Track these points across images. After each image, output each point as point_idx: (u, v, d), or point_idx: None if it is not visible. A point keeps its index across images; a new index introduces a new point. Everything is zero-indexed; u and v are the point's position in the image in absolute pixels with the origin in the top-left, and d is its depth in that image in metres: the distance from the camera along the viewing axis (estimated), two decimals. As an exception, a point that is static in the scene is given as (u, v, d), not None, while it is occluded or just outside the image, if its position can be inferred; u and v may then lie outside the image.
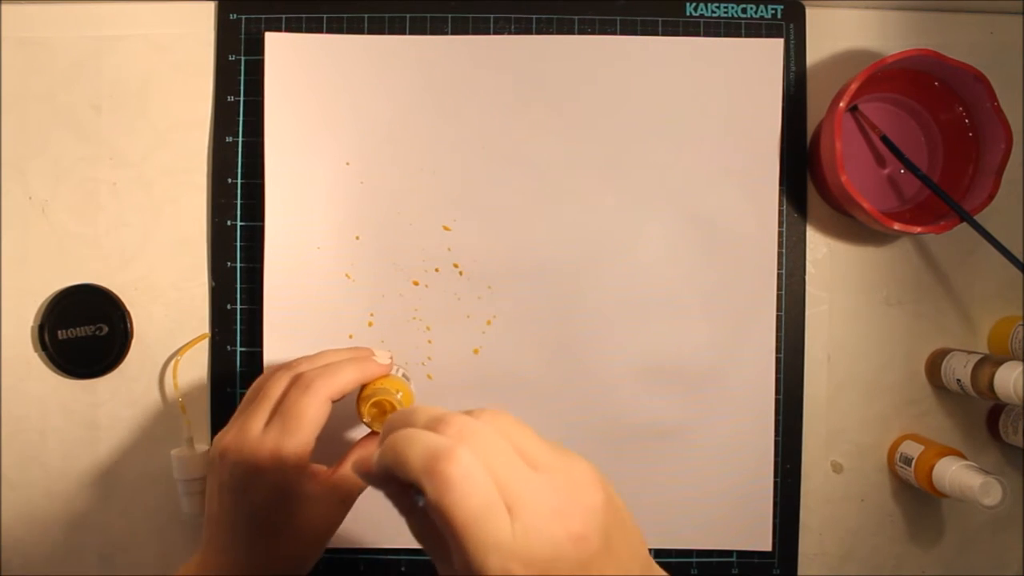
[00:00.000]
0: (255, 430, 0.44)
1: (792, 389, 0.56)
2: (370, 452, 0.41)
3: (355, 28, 0.55)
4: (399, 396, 0.46)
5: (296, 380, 0.45)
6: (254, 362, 0.55)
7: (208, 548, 0.44)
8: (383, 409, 0.46)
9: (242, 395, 0.55)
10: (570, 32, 0.56)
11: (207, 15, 0.56)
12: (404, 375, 0.51)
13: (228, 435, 0.44)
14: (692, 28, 0.56)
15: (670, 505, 0.54)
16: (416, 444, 0.30)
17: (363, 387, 0.47)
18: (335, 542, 0.54)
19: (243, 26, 0.56)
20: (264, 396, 0.45)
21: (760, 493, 0.55)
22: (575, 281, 0.55)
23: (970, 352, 0.53)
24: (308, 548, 0.44)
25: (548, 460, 0.33)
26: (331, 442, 0.45)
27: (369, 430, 0.47)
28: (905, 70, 0.53)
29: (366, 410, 0.46)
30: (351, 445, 0.48)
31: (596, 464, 0.56)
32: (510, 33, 0.56)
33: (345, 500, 0.45)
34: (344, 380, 0.45)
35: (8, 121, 0.56)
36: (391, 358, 0.49)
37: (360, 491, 0.46)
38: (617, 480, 0.54)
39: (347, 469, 0.46)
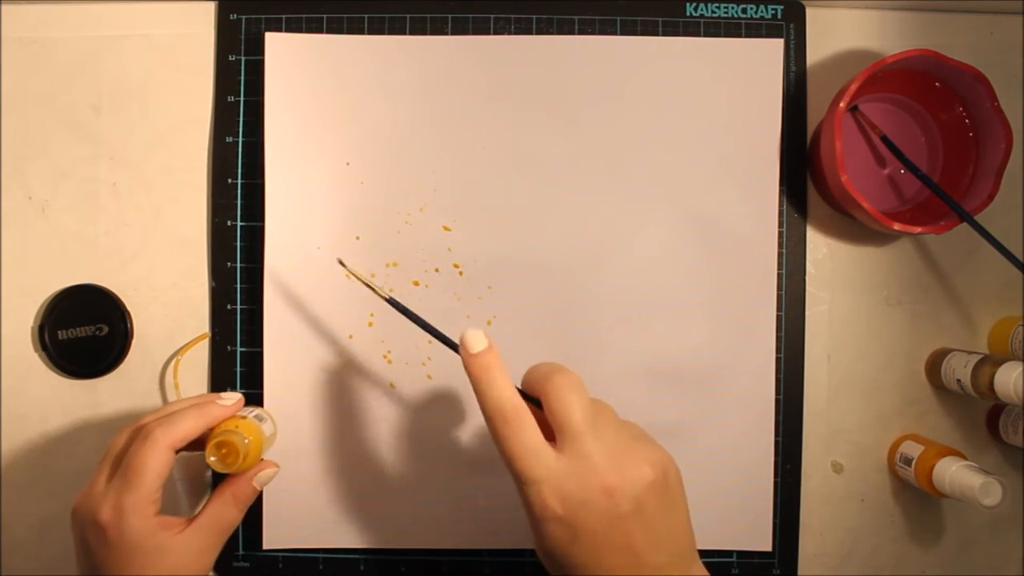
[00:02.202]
0: (98, 488, 0.43)
1: (792, 389, 0.56)
2: (241, 488, 0.46)
3: (355, 28, 0.55)
4: (247, 440, 0.45)
5: (136, 432, 0.44)
6: (254, 362, 0.55)
7: None
8: (230, 450, 0.44)
9: (242, 395, 0.55)
10: (570, 32, 0.56)
11: (207, 15, 0.56)
12: (258, 416, 0.49)
13: (79, 496, 0.44)
14: (692, 28, 0.56)
15: (670, 505, 0.54)
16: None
17: (211, 431, 0.46)
18: (335, 542, 0.54)
19: (243, 26, 0.56)
20: (107, 453, 0.45)
21: (760, 493, 0.55)
22: (575, 281, 0.55)
23: (970, 352, 0.53)
24: None
25: (616, 429, 0.40)
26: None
27: (224, 475, 0.46)
28: (905, 70, 0.53)
29: (209, 451, 0.44)
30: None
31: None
32: (510, 33, 0.56)
33: (208, 547, 0.45)
34: (185, 427, 0.44)
35: (8, 121, 0.56)
36: (239, 400, 0.48)
37: (223, 536, 0.46)
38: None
39: (206, 515, 0.45)
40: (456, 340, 0.41)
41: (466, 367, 0.40)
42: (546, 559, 0.40)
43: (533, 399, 0.40)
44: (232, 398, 0.48)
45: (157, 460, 0.42)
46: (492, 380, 0.39)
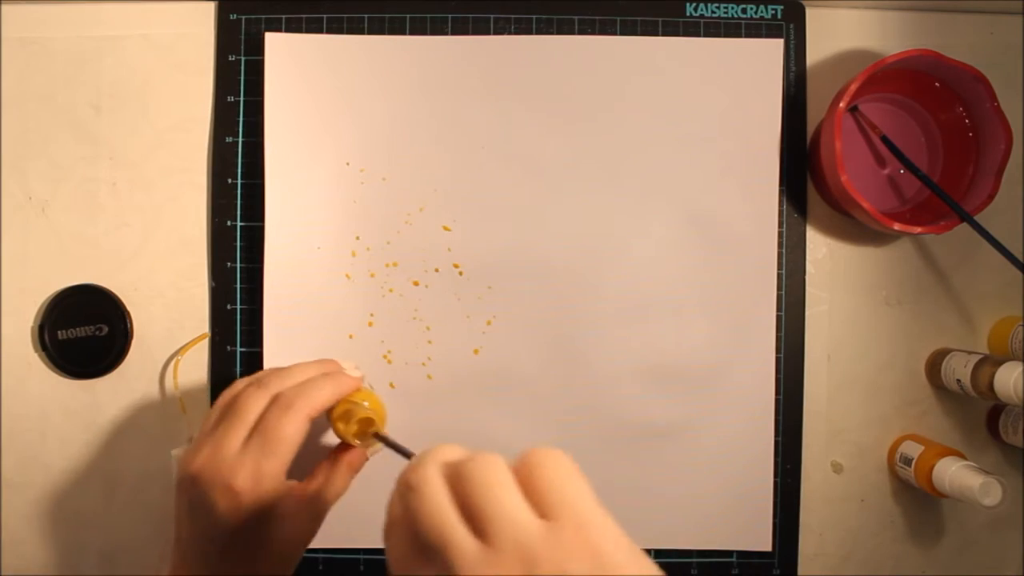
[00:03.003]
0: (232, 451, 0.42)
1: (792, 389, 0.56)
2: (355, 459, 0.46)
3: (355, 28, 0.55)
4: (366, 404, 0.46)
5: (276, 399, 0.44)
6: (254, 362, 0.55)
7: (176, 572, 0.43)
8: (366, 427, 0.46)
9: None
10: (570, 32, 0.56)
11: (207, 15, 0.56)
12: (370, 385, 0.51)
13: (200, 456, 0.42)
14: (692, 28, 0.56)
15: (670, 505, 0.54)
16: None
17: (339, 401, 0.46)
18: (335, 542, 0.54)
19: (243, 26, 0.56)
20: (239, 415, 0.43)
21: (760, 493, 0.55)
22: (575, 281, 0.55)
23: (970, 352, 0.53)
24: (282, 565, 0.44)
25: (571, 519, 0.29)
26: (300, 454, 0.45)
27: (339, 441, 0.47)
28: (905, 70, 0.53)
29: (349, 429, 0.45)
30: (319, 455, 0.48)
31: (596, 464, 0.57)
32: (510, 33, 0.56)
33: (318, 516, 0.45)
34: (323, 398, 0.44)
35: (8, 121, 0.56)
36: (358, 368, 0.49)
37: (331, 504, 0.46)
38: (617, 480, 0.54)
39: (319, 483, 0.45)
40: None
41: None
42: None
43: None
44: (354, 367, 0.48)
45: (297, 430, 0.43)
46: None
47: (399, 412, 0.54)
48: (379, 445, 0.47)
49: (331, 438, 0.50)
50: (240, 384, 0.46)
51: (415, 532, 0.29)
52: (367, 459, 0.48)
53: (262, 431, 0.43)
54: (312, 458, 0.48)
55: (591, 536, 0.28)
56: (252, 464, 0.42)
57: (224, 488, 0.41)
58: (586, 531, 0.28)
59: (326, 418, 0.47)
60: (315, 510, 0.45)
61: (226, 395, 0.46)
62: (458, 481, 0.30)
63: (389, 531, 0.31)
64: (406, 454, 0.43)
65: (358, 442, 0.46)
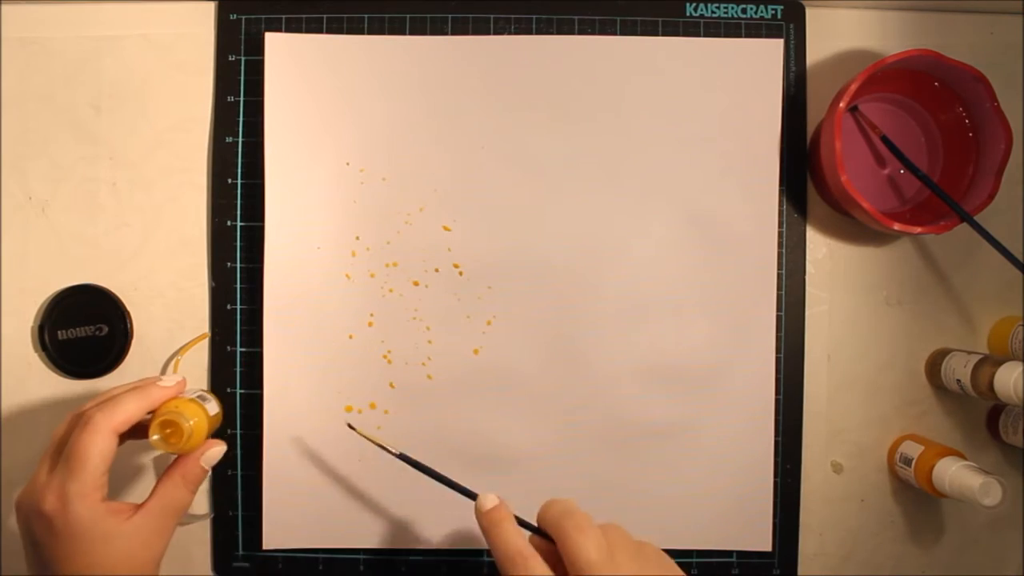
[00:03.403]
0: (41, 478, 0.42)
1: (792, 389, 0.56)
2: (190, 469, 0.45)
3: (355, 28, 0.55)
4: (192, 422, 0.45)
5: (76, 419, 0.44)
6: (254, 362, 0.55)
7: None
8: (174, 429, 0.45)
9: (243, 396, 0.55)
10: (570, 32, 0.56)
11: (207, 15, 0.56)
12: (201, 396, 0.49)
13: (23, 489, 0.43)
14: (692, 28, 0.56)
15: (670, 505, 0.55)
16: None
17: (153, 413, 0.46)
18: (335, 542, 0.54)
19: (243, 26, 0.56)
20: (51, 442, 0.44)
21: (760, 493, 0.55)
22: (575, 281, 0.55)
23: (970, 352, 0.53)
24: None
25: (631, 560, 0.40)
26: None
27: (172, 457, 0.46)
28: (905, 70, 0.53)
29: (152, 429, 0.45)
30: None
31: (596, 464, 0.57)
32: (510, 33, 0.56)
33: (161, 531, 0.44)
34: (126, 410, 0.43)
35: (8, 121, 0.56)
36: (180, 382, 0.47)
37: (175, 518, 0.45)
38: (617, 480, 0.54)
39: (157, 499, 0.44)
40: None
41: (479, 522, 0.43)
42: None
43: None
44: (172, 379, 0.47)
45: (99, 445, 0.42)
46: (500, 531, 0.41)
47: (399, 412, 0.54)
48: (216, 450, 0.47)
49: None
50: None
51: None
52: (205, 469, 0.46)
53: (65, 453, 0.42)
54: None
55: None
56: (57, 486, 0.41)
57: (36, 515, 0.41)
58: None
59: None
60: (155, 527, 0.44)
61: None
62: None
63: None
64: (464, 492, 0.46)
65: (161, 445, 0.45)
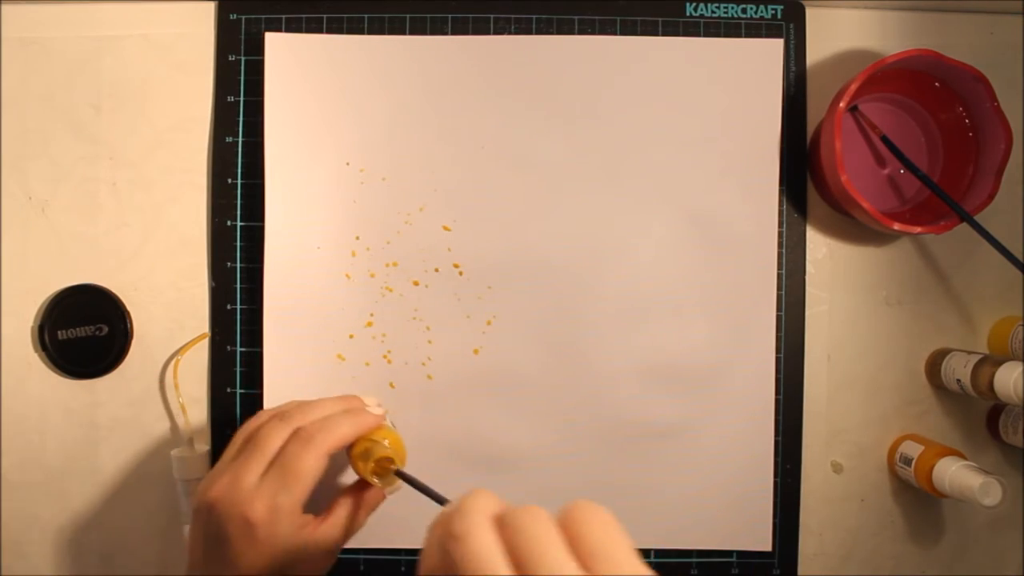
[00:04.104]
0: (249, 482, 0.42)
1: (792, 389, 0.56)
2: (374, 497, 0.46)
3: (355, 28, 0.55)
4: (386, 443, 0.46)
5: (296, 433, 0.44)
6: (254, 362, 0.55)
7: None
8: (386, 466, 0.46)
9: (243, 396, 0.55)
10: (570, 32, 0.56)
11: (207, 15, 0.56)
12: (392, 423, 0.51)
13: (218, 485, 0.43)
14: (692, 28, 0.56)
15: (670, 505, 0.55)
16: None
17: (359, 439, 0.46)
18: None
19: (243, 26, 0.56)
20: (259, 447, 0.44)
21: (760, 493, 0.55)
22: (575, 281, 0.55)
23: (970, 352, 0.53)
24: None
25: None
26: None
27: (357, 478, 0.47)
28: (905, 70, 0.53)
29: (367, 468, 0.46)
30: (336, 491, 0.48)
31: (596, 464, 0.56)
32: (510, 33, 0.56)
33: (332, 552, 0.45)
34: (343, 434, 0.44)
35: (8, 121, 0.56)
36: (384, 409, 0.49)
37: (346, 542, 0.46)
38: (617, 480, 0.54)
39: (336, 520, 0.45)
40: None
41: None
42: None
43: None
44: (378, 406, 0.49)
45: (316, 465, 0.43)
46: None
47: (399, 412, 0.54)
48: (398, 483, 0.47)
49: (349, 475, 0.50)
50: (263, 416, 0.46)
51: None
52: (385, 498, 0.48)
53: (281, 464, 0.43)
54: (327, 494, 0.48)
55: None
56: (269, 497, 0.42)
57: (240, 519, 0.41)
58: None
59: (345, 455, 0.47)
60: (329, 546, 0.45)
61: (248, 426, 0.46)
62: (505, 532, 0.29)
63: None
64: (437, 499, 0.43)
65: (376, 480, 0.46)
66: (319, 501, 0.46)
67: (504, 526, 0.30)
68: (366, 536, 0.54)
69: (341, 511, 0.46)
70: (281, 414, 0.46)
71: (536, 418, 0.55)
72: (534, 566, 0.28)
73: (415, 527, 0.55)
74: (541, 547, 0.29)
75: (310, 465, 0.43)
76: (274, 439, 0.44)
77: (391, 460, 0.45)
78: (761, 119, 0.55)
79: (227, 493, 0.42)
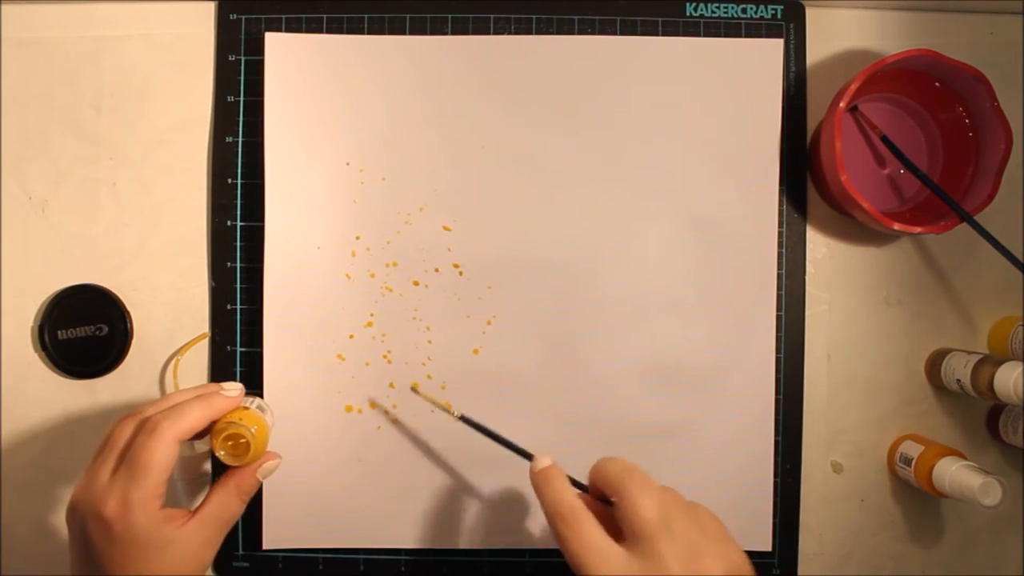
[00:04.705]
0: (102, 480, 0.42)
1: (792, 389, 0.56)
2: (245, 480, 0.45)
3: (355, 28, 0.55)
4: (253, 430, 0.45)
5: (142, 424, 0.43)
6: (254, 362, 0.55)
7: None
8: (237, 442, 0.45)
9: (243, 385, 0.55)
10: (570, 32, 0.56)
11: (207, 15, 0.56)
12: (259, 406, 0.49)
13: (77, 488, 0.43)
14: (692, 28, 0.56)
15: (670, 505, 0.54)
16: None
17: (215, 423, 0.46)
18: (335, 542, 0.55)
19: (243, 26, 0.56)
20: (110, 444, 0.43)
21: (760, 493, 0.55)
22: (575, 281, 0.55)
23: (970, 352, 0.53)
24: None
25: (688, 529, 0.40)
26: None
27: (226, 465, 0.46)
28: (905, 70, 0.53)
29: (219, 444, 0.45)
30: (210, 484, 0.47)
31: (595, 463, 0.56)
32: (510, 33, 0.56)
33: (210, 539, 0.44)
34: (191, 419, 0.43)
35: (8, 121, 0.56)
36: (241, 391, 0.48)
37: (226, 528, 0.45)
38: (617, 480, 0.54)
39: (209, 507, 0.45)
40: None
41: (532, 480, 0.43)
42: None
43: (604, 499, 0.42)
44: (235, 388, 0.47)
45: (164, 453, 0.42)
46: (551, 487, 0.42)
47: (399, 412, 0.54)
48: (272, 464, 0.47)
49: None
50: (120, 417, 0.46)
51: None
52: (259, 481, 0.47)
53: (128, 458, 0.42)
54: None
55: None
56: (120, 491, 0.41)
57: (95, 518, 0.41)
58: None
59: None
60: (206, 536, 0.44)
61: (109, 428, 0.45)
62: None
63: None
64: (522, 453, 0.47)
65: (228, 459, 0.45)
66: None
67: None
68: (366, 536, 0.55)
69: (212, 502, 0.45)
70: (134, 412, 0.45)
71: (536, 418, 0.55)
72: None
73: (416, 527, 0.55)
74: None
75: (158, 454, 0.42)
76: (123, 434, 0.44)
77: (239, 437, 0.45)
78: (761, 119, 0.55)
79: (82, 494, 0.42)
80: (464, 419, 0.50)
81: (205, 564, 0.44)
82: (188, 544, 0.43)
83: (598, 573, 0.38)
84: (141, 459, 0.42)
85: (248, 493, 0.46)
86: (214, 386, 0.48)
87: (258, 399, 0.51)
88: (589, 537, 0.39)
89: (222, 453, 0.45)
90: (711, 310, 0.55)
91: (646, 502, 0.39)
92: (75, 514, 0.43)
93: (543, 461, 0.44)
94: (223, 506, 0.45)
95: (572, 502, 0.40)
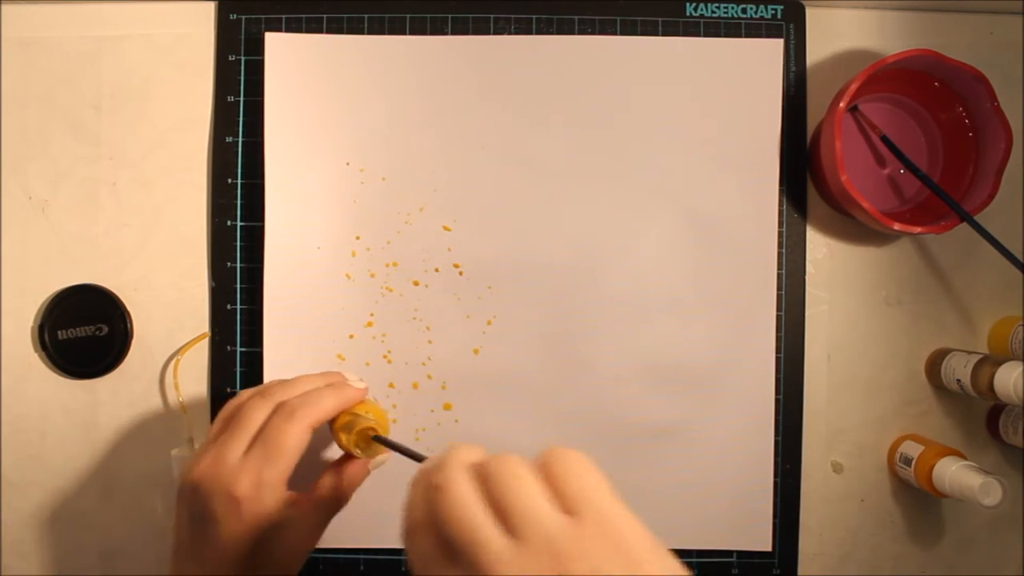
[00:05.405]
0: (233, 458, 0.42)
1: (792, 389, 0.56)
2: (358, 471, 0.46)
3: (355, 28, 0.55)
4: (370, 416, 0.46)
5: (279, 408, 0.44)
6: (254, 362, 0.55)
7: None
8: (367, 436, 0.46)
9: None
10: (570, 32, 0.56)
11: (207, 15, 0.56)
12: (374, 397, 0.51)
13: (202, 463, 0.43)
14: (692, 28, 0.56)
15: (670, 505, 0.54)
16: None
17: (341, 413, 0.46)
18: (335, 542, 0.55)
19: (243, 26, 0.56)
20: (241, 424, 0.44)
21: (760, 493, 0.55)
22: (575, 281, 0.55)
23: (970, 352, 0.53)
24: (283, 573, 0.44)
25: (594, 514, 0.30)
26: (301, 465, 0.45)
27: (342, 452, 0.47)
28: (905, 70, 0.53)
29: (351, 439, 0.46)
30: (323, 468, 0.48)
31: (596, 464, 0.56)
32: (510, 33, 0.56)
33: (319, 526, 0.45)
34: (326, 408, 0.44)
35: (8, 121, 0.56)
36: (362, 380, 0.49)
37: (333, 516, 0.46)
38: (617, 480, 0.54)
39: (322, 494, 0.45)
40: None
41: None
42: None
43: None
44: (359, 379, 0.48)
45: (299, 438, 0.43)
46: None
47: (399, 412, 0.54)
48: (383, 457, 0.47)
49: (334, 451, 0.50)
50: (244, 394, 0.46)
51: (441, 533, 0.30)
52: (369, 472, 0.48)
53: (264, 439, 0.43)
54: (315, 470, 0.48)
55: (615, 530, 0.29)
56: (253, 472, 0.42)
57: (225, 496, 0.41)
58: (609, 526, 0.29)
59: (329, 430, 0.47)
60: (317, 521, 0.45)
61: (230, 405, 0.46)
62: (483, 481, 0.30)
63: (411, 533, 0.31)
64: (415, 457, 0.42)
65: (360, 453, 0.46)
66: (305, 480, 0.46)
67: (482, 475, 0.31)
68: (366, 536, 0.55)
69: (326, 487, 0.46)
70: (262, 391, 0.46)
71: (536, 418, 0.55)
72: (512, 511, 0.29)
73: (415, 527, 0.55)
74: (520, 491, 0.30)
75: (294, 439, 0.42)
76: (257, 415, 0.44)
77: (373, 431, 0.45)
78: (761, 119, 0.55)
79: (211, 470, 0.42)
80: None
81: (312, 547, 0.45)
82: (303, 527, 0.44)
83: None
84: (278, 442, 0.42)
85: (358, 484, 0.47)
86: (338, 375, 0.48)
87: (371, 390, 0.51)
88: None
89: (357, 449, 0.46)
90: (711, 310, 0.55)
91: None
92: (199, 490, 0.42)
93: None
94: (335, 493, 0.46)
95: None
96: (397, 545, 0.55)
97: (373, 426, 0.45)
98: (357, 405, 0.47)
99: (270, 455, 0.42)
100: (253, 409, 0.44)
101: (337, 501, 0.46)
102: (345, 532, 0.54)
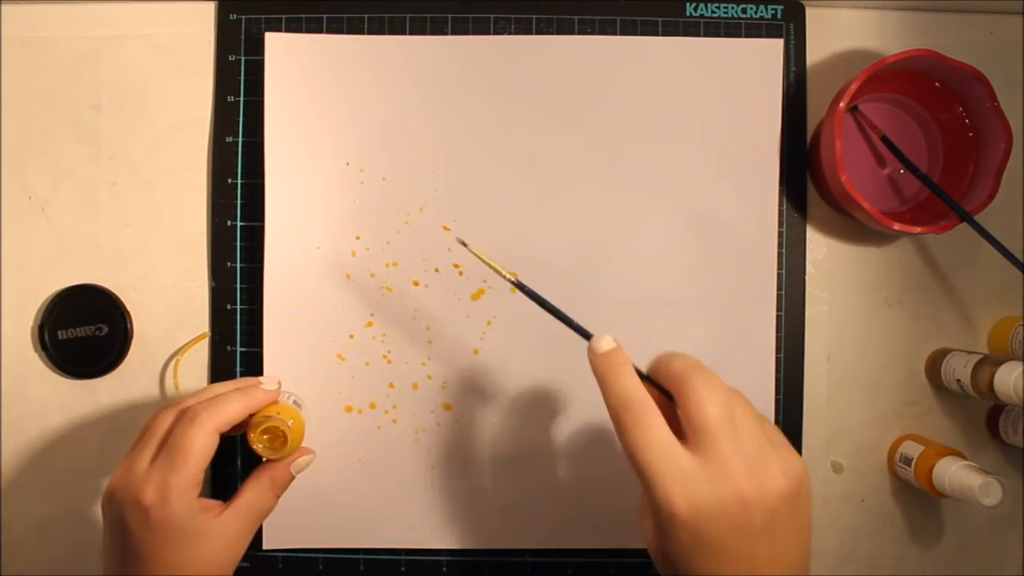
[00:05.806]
0: (141, 467, 0.42)
1: (792, 389, 0.56)
2: (279, 474, 0.46)
3: (355, 28, 0.55)
4: (290, 423, 0.46)
5: (182, 414, 0.44)
6: (254, 362, 0.55)
7: None
8: (275, 435, 0.46)
9: (280, 379, 0.55)
10: (570, 32, 0.56)
11: (207, 15, 0.56)
12: (295, 401, 0.50)
13: (115, 475, 0.43)
14: (692, 28, 0.56)
15: (670, 505, 0.54)
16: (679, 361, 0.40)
17: (252, 416, 0.46)
18: (335, 542, 0.55)
19: (243, 26, 0.56)
20: (150, 433, 0.44)
21: (760, 493, 0.55)
22: (575, 281, 0.55)
23: (970, 352, 0.53)
24: None
25: (754, 431, 0.37)
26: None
27: (263, 458, 0.47)
28: (905, 70, 0.53)
29: (256, 437, 0.46)
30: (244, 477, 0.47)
31: (596, 464, 0.56)
32: (510, 33, 0.56)
33: (243, 532, 0.45)
34: (230, 410, 0.44)
35: (8, 121, 0.56)
36: (279, 384, 0.48)
37: (259, 521, 0.46)
38: (617, 480, 0.54)
39: (243, 500, 0.45)
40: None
41: (592, 365, 0.40)
42: (661, 560, 0.38)
43: (665, 392, 0.39)
44: (273, 382, 0.48)
45: (203, 442, 0.42)
46: (618, 375, 0.38)
47: (399, 412, 0.54)
48: (306, 459, 0.48)
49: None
50: (159, 408, 0.46)
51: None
52: (292, 475, 0.47)
53: (168, 445, 0.43)
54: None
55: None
56: (158, 479, 0.42)
57: (133, 504, 0.41)
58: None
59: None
60: (239, 528, 0.44)
61: (147, 419, 0.46)
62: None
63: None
64: (577, 328, 0.41)
65: (265, 452, 0.46)
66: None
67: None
68: (366, 536, 0.55)
69: (247, 494, 0.45)
70: (174, 403, 0.46)
71: (536, 418, 0.55)
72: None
73: (415, 527, 0.55)
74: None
75: (197, 442, 0.42)
76: (162, 423, 0.44)
77: (278, 431, 0.45)
78: (761, 119, 0.55)
79: (121, 480, 0.43)
80: (519, 285, 0.43)
81: (237, 556, 0.44)
82: (222, 535, 0.43)
83: (661, 470, 0.35)
84: (181, 447, 0.42)
85: (282, 487, 0.47)
86: (253, 380, 0.48)
87: (294, 394, 0.51)
88: (656, 432, 0.36)
89: (259, 446, 0.46)
90: (711, 310, 0.55)
91: (713, 399, 0.36)
92: (112, 501, 0.43)
93: (606, 342, 0.39)
94: (257, 499, 0.45)
95: (641, 393, 0.37)
96: (397, 545, 0.55)
97: (278, 426, 0.45)
98: (269, 407, 0.47)
99: (174, 461, 0.42)
100: (160, 418, 0.45)
101: (261, 506, 0.46)
102: (345, 532, 0.55)
